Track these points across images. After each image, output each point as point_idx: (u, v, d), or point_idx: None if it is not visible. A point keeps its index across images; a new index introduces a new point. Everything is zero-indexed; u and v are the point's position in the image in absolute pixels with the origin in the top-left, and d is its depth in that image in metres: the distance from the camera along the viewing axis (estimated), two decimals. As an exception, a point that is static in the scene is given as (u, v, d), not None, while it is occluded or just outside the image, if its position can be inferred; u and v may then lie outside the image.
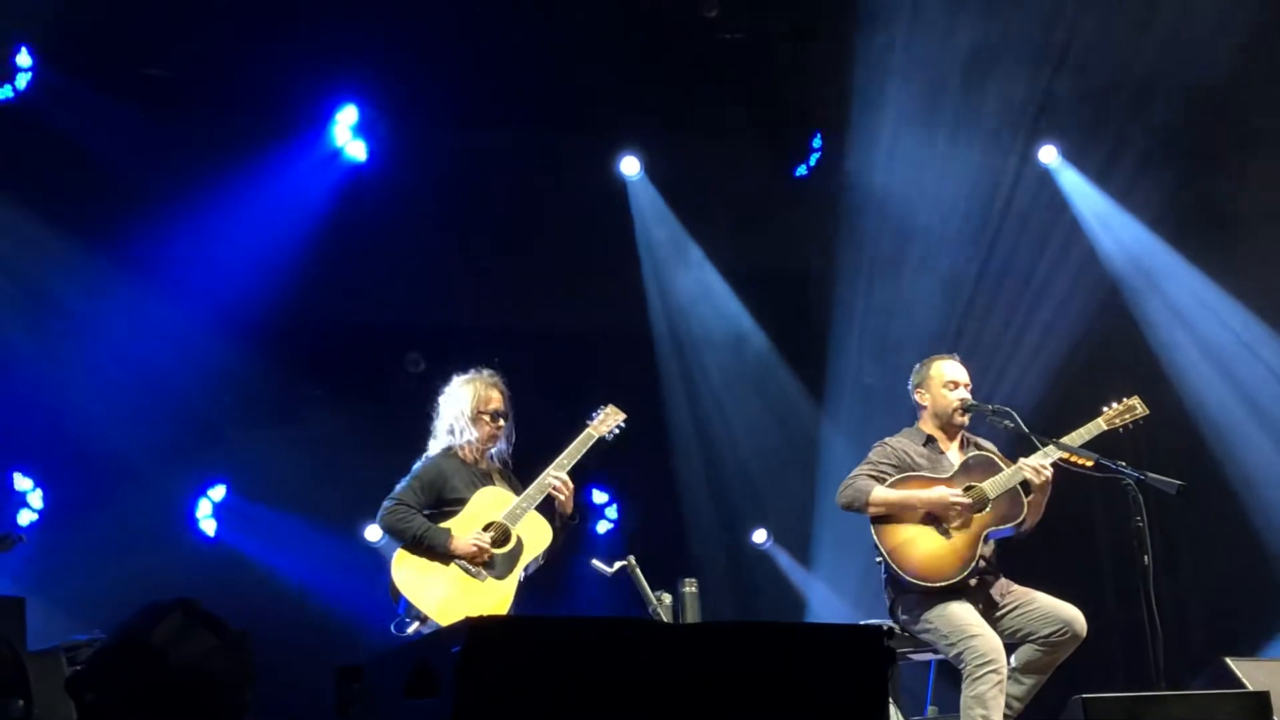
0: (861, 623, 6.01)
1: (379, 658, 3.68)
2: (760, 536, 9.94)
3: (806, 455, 9.27)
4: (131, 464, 7.98)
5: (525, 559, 5.75)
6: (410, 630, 5.55)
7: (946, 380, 6.06)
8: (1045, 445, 5.80)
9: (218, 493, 8.46)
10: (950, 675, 5.98)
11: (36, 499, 8.04)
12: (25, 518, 7.96)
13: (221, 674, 3.22)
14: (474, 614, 5.35)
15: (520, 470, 6.04)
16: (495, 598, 5.63)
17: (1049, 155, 9.27)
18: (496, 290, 8.74)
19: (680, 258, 9.52)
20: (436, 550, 5.67)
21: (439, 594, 5.60)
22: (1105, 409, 6.01)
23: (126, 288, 8.12)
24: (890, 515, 5.83)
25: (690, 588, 6.25)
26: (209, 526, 8.43)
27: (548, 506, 5.86)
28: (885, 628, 3.48)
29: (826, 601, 9.31)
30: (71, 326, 8.06)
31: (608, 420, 6.09)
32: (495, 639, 3.15)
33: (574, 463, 5.90)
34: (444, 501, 5.82)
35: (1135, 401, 6.02)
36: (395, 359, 8.74)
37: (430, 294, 8.68)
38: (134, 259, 8.09)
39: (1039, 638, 5.64)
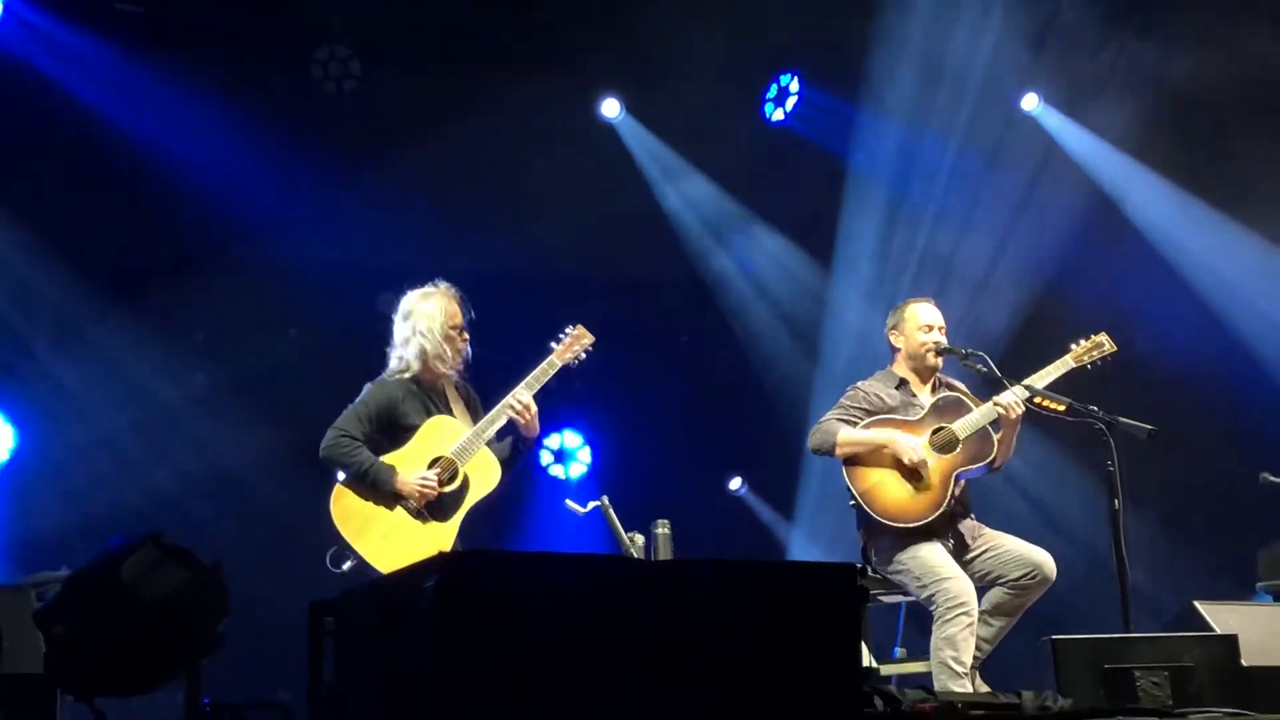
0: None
1: (353, 593, 3.67)
2: (735, 483, 9.98)
3: (797, 402, 9.25)
4: (107, 399, 7.96)
5: (470, 500, 5.47)
6: (345, 566, 5.31)
7: (922, 323, 6.06)
8: (1015, 387, 5.81)
9: (196, 427, 8.43)
10: (919, 620, 6.03)
11: (7, 436, 8.01)
12: (-6, 454, 7.96)
13: (193, 606, 3.22)
14: (411, 558, 5.25)
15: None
16: (435, 541, 5.36)
17: (1031, 103, 9.38)
18: (466, 229, 8.67)
19: (677, 191, 9.49)
20: (381, 489, 5.41)
21: (376, 535, 5.36)
22: (1073, 346, 6.03)
23: (96, 224, 8.06)
24: (861, 458, 5.85)
25: (663, 529, 6.20)
26: (188, 460, 8.43)
27: (505, 433, 5.63)
28: (859, 566, 3.48)
29: (804, 551, 9.36)
30: (37, 262, 8.00)
31: (574, 345, 5.75)
32: (469, 574, 3.14)
33: (534, 391, 5.59)
34: (394, 429, 5.55)
35: (1103, 338, 6.02)
36: (368, 299, 8.69)
37: (402, 234, 8.61)
38: (107, 194, 8.02)
39: (1009, 581, 5.68)
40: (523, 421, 5.55)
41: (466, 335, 5.72)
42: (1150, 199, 9.17)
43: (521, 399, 5.54)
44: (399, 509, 5.44)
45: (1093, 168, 9.28)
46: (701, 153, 9.46)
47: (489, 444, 5.57)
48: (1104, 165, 9.24)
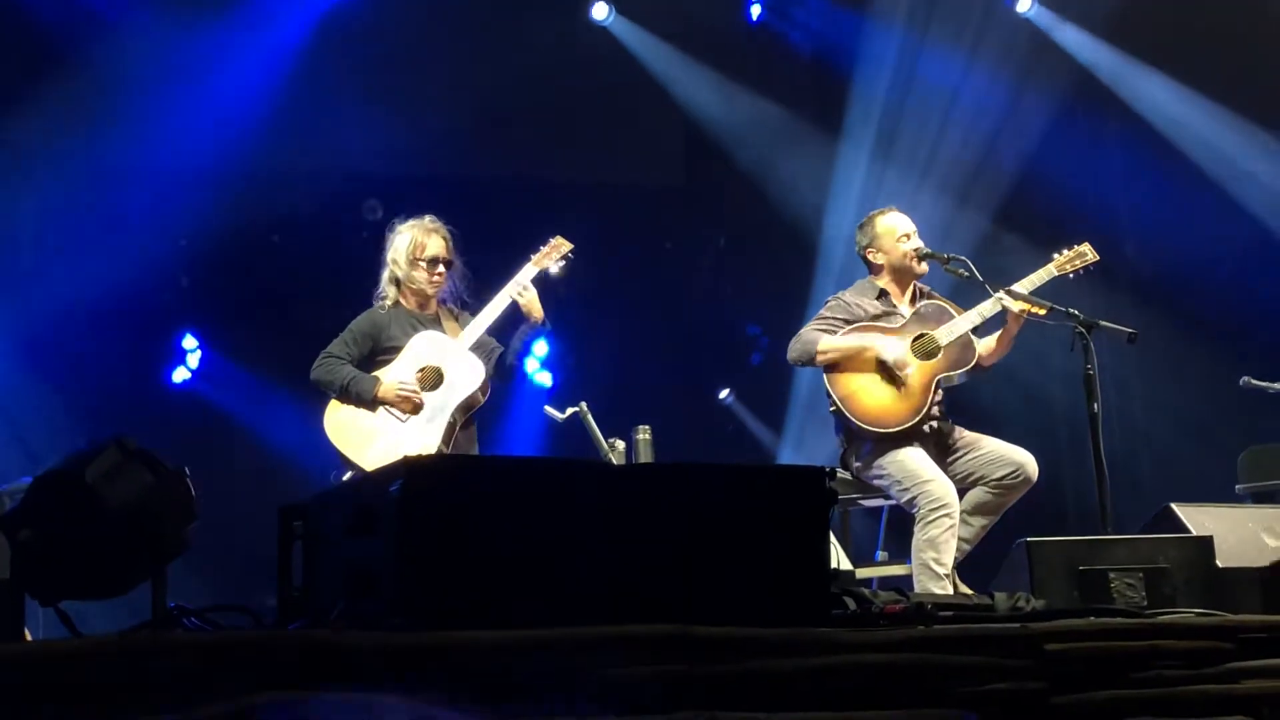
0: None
1: (322, 497, 3.68)
2: (724, 394, 9.97)
3: (793, 315, 9.18)
4: (88, 306, 7.93)
5: (455, 400, 5.58)
6: (346, 479, 5.45)
7: (900, 234, 6.03)
8: (998, 293, 5.80)
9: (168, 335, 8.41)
10: (900, 523, 6.05)
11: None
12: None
13: (158, 510, 3.22)
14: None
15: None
16: (421, 443, 5.49)
17: (1024, 4, 9.30)
18: (453, 138, 8.59)
19: (676, 91, 9.38)
20: (364, 398, 5.56)
21: (366, 441, 5.50)
22: (1056, 255, 6.01)
23: (84, 129, 7.98)
24: (841, 364, 5.85)
25: (644, 435, 6.22)
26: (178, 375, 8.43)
27: (509, 335, 5.74)
28: (828, 469, 3.48)
29: (792, 461, 9.35)
30: (29, 167, 7.92)
31: (553, 252, 5.83)
32: (434, 477, 3.14)
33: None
34: (381, 350, 5.71)
35: (1085, 248, 6.00)
36: (354, 206, 8.64)
37: (390, 141, 8.53)
38: (92, 99, 7.92)
39: (992, 480, 5.71)
40: (523, 303, 5.66)
41: (441, 269, 5.80)
42: (1144, 92, 9.09)
43: (519, 284, 5.66)
44: (388, 417, 5.57)
45: (1088, 62, 9.18)
46: (691, 52, 9.35)
47: (477, 353, 5.67)
48: (1098, 61, 9.15)
